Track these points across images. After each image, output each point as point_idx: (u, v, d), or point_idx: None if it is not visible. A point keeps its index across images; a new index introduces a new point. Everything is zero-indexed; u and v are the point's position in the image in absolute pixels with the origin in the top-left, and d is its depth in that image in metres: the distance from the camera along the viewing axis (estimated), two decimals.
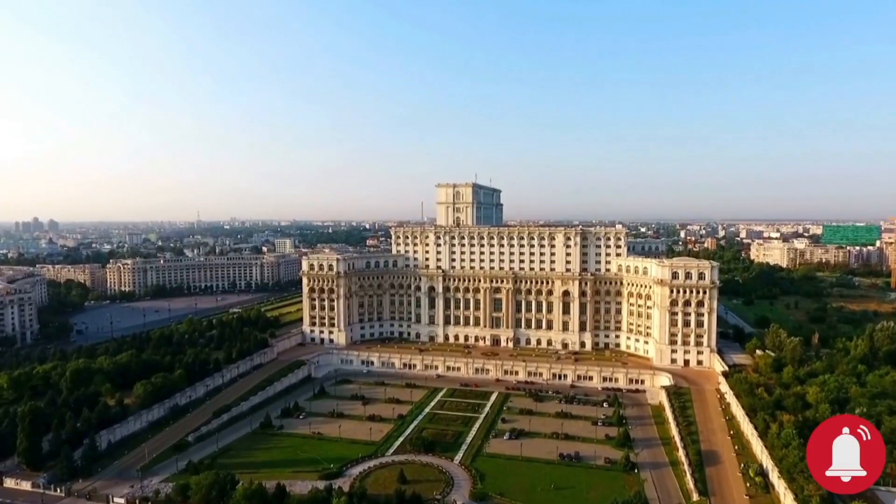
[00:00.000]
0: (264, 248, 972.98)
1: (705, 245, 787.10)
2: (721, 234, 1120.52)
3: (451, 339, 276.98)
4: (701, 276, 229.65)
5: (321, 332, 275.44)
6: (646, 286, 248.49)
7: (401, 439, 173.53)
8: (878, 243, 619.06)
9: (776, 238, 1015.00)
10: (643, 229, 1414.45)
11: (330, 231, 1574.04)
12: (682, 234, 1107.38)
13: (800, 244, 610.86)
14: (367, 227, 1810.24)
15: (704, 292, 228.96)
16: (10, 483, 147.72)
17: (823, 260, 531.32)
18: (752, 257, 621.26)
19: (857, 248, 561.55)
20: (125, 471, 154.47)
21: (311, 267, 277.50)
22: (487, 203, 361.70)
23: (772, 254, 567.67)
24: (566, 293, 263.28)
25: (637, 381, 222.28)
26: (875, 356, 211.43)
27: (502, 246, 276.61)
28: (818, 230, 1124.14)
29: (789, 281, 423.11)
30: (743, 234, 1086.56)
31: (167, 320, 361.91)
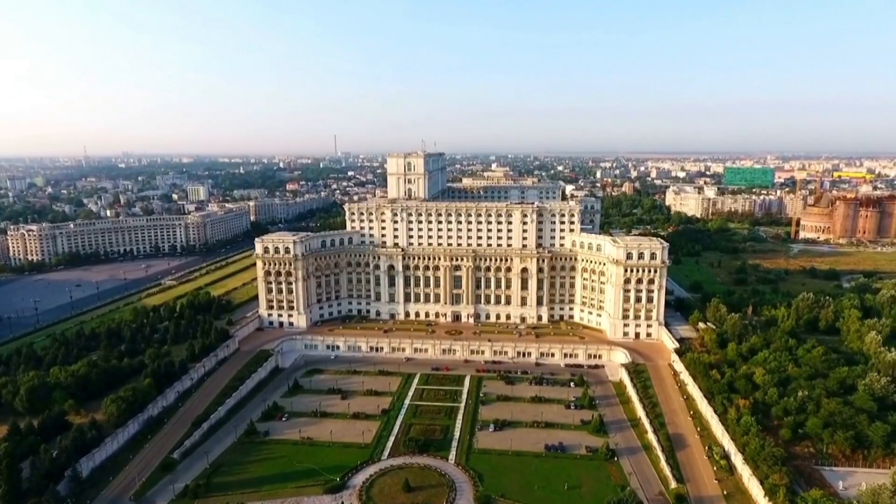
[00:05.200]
0: (174, 195, 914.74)
1: (623, 190, 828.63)
2: (633, 174, 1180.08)
3: (412, 316, 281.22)
4: (653, 256, 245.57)
5: (279, 315, 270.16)
6: (599, 263, 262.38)
7: (391, 439, 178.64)
8: (777, 192, 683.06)
9: (683, 177, 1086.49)
10: (560, 167, 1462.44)
11: (241, 171, 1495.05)
12: (598, 175, 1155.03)
13: (710, 191, 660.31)
14: (282, 165, 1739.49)
15: (655, 271, 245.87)
16: None
17: (733, 209, 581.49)
18: (667, 204, 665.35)
19: (761, 198, 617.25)
20: (117, 500, 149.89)
21: (266, 250, 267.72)
22: (435, 169, 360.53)
23: (688, 203, 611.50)
24: (524, 270, 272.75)
25: (595, 357, 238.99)
26: (797, 324, 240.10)
27: (460, 223, 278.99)
28: (719, 168, 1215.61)
29: (708, 235, 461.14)
30: (653, 174, 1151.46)
31: (96, 298, 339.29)
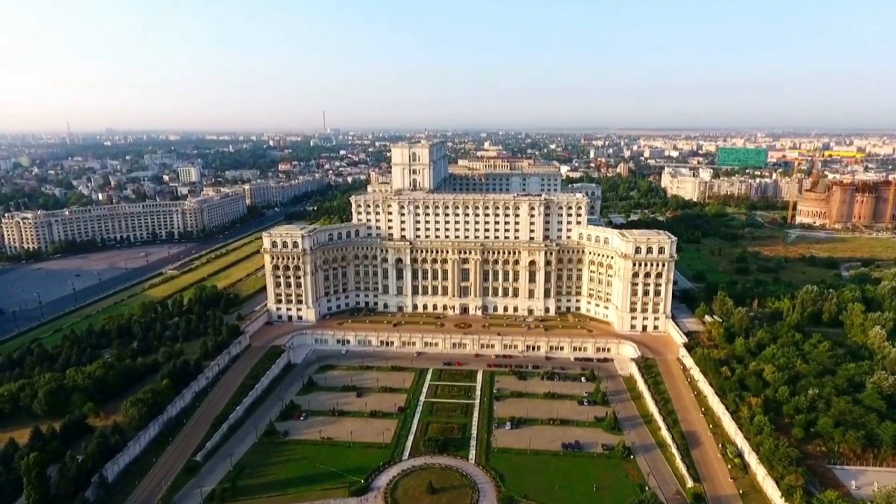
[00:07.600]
0: (165, 176, 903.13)
1: (618, 171, 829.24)
2: (627, 153, 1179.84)
3: (420, 309, 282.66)
4: (661, 250, 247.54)
5: (288, 309, 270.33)
6: (607, 256, 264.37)
7: (410, 438, 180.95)
8: (772, 175, 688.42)
9: (676, 156, 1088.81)
10: (552, 146, 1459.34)
11: (231, 150, 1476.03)
12: (592, 154, 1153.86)
13: (705, 174, 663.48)
14: (271, 143, 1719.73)
15: (663, 265, 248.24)
16: None
17: (729, 192, 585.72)
18: (664, 186, 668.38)
19: (757, 181, 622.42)
20: None
21: (275, 244, 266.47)
22: (439, 158, 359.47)
23: (684, 187, 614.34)
24: (532, 262, 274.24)
25: (604, 350, 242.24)
26: (801, 316, 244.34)
27: (467, 215, 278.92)
28: (711, 147, 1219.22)
29: (706, 220, 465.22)
30: (647, 154, 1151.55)
31: (98, 289, 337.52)
